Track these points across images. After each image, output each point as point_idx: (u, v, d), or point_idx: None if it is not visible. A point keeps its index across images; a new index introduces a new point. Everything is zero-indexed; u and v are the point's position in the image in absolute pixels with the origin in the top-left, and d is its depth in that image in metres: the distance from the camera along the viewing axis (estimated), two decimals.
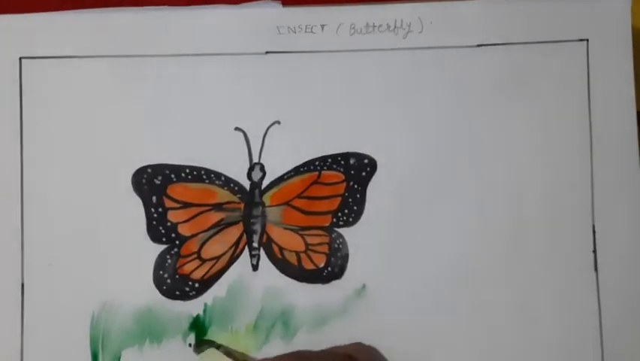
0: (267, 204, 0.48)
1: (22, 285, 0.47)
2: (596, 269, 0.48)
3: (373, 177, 0.49)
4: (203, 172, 0.48)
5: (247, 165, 0.48)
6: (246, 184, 0.48)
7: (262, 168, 0.48)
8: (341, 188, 0.48)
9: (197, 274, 0.48)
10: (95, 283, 0.48)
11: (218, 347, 0.47)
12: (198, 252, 0.48)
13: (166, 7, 0.50)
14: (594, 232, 0.48)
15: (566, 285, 0.48)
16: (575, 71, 0.49)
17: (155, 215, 0.47)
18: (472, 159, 0.49)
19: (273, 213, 0.48)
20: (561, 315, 0.48)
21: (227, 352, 0.47)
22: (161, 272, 0.47)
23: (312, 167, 0.48)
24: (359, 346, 0.46)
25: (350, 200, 0.48)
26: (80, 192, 0.48)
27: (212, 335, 0.47)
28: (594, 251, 0.48)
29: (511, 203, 0.49)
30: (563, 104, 0.49)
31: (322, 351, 0.46)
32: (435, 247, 0.48)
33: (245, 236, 0.48)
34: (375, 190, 0.49)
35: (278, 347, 0.47)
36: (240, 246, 0.48)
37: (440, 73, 0.49)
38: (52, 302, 0.47)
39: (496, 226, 0.48)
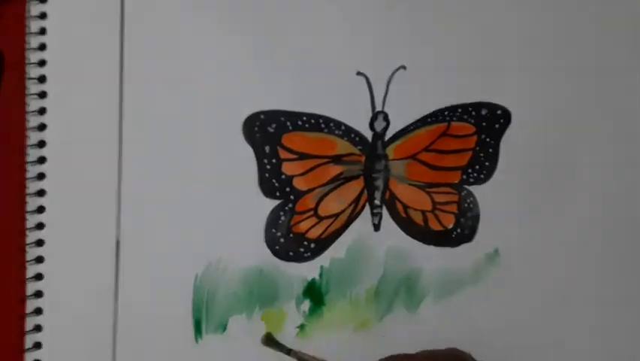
0: (391, 157, 0.44)
1: (118, 242, 0.42)
2: None
3: (507, 130, 0.45)
4: (321, 120, 0.43)
5: (369, 114, 0.44)
6: (368, 135, 0.44)
7: (386, 118, 0.43)
8: (472, 141, 0.44)
9: (314, 233, 0.43)
10: (200, 241, 0.43)
11: (288, 352, 0.41)
12: (315, 208, 0.43)
13: None
14: None
15: None
16: None
17: (269, 167, 0.42)
18: (617, 118, 0.44)
19: (397, 167, 0.44)
20: None
21: (300, 358, 0.42)
22: (273, 230, 0.42)
23: (440, 117, 0.44)
24: (456, 351, 0.42)
25: (481, 155, 0.45)
26: (184, 142, 0.43)
27: (329, 301, 0.42)
28: None
29: None
30: None
31: (417, 354, 0.42)
32: (575, 209, 0.44)
33: (366, 192, 0.44)
34: (509, 145, 0.45)
35: (401, 319, 0.44)
36: (361, 203, 0.44)
37: (587, 22, 0.44)
38: (150, 262, 0.42)
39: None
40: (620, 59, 0.46)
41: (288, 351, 0.42)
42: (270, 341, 0.42)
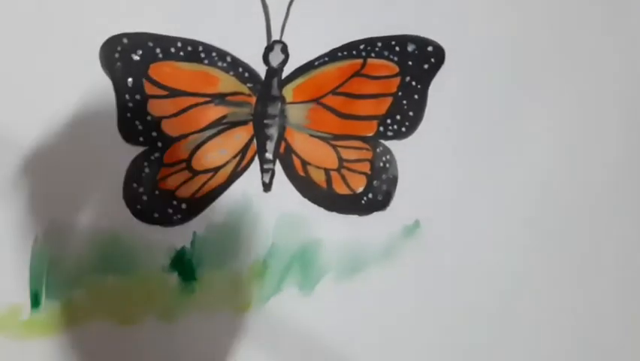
0: (289, 99, 0.37)
1: None
2: None
3: (438, 73, 0.37)
4: (201, 49, 0.36)
5: (264, 44, 0.36)
6: (262, 70, 0.36)
7: (284, 49, 0.36)
8: (393, 84, 0.37)
9: (186, 191, 0.36)
10: (41, 196, 0.35)
11: None
12: (188, 160, 0.36)
13: None
14: None
15: None
16: None
17: (131, 104, 0.35)
18: (576, 62, 0.36)
19: (296, 112, 0.37)
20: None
21: None
22: (134, 185, 0.36)
23: (354, 52, 0.37)
24: None
25: (404, 102, 0.37)
26: (22, 66, 0.34)
27: (203, 277, 0.35)
28: None
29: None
30: None
31: None
32: (513, 175, 0.36)
33: (255, 142, 0.36)
34: (440, 91, 0.37)
35: (293, 300, 0.36)
36: (248, 155, 0.37)
37: None
38: None
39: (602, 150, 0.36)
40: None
41: None
42: None
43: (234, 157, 0.36)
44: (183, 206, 0.36)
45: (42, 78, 0.35)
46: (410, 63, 0.37)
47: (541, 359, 0.39)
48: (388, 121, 0.37)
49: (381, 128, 0.37)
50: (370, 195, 0.37)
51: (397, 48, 0.37)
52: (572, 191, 0.38)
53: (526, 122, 0.38)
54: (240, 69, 0.36)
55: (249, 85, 0.36)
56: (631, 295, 0.39)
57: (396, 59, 0.37)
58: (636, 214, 0.38)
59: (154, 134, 0.36)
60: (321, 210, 0.37)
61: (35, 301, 0.35)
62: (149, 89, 0.35)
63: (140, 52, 0.35)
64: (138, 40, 0.35)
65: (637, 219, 0.39)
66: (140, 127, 0.35)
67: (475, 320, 0.38)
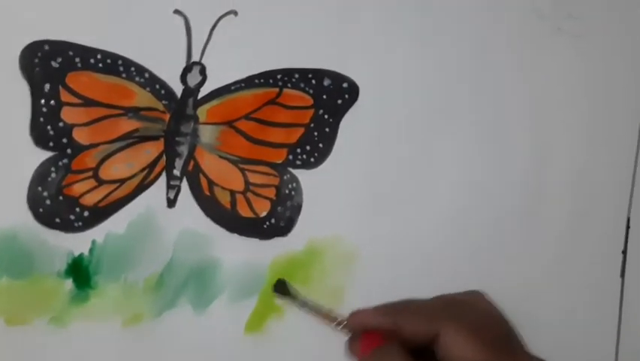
0: (202, 120, 0.36)
1: None
2: (622, 275, 0.36)
3: (351, 109, 0.38)
4: (120, 62, 0.36)
5: (183, 64, 0.37)
6: (178, 89, 0.37)
7: (202, 71, 0.36)
8: (306, 115, 0.38)
9: (90, 199, 0.37)
10: None
11: (303, 305, 0.35)
12: (96, 169, 0.37)
13: None
14: (628, 227, 0.37)
15: (588, 287, 0.37)
16: None
17: (45, 109, 0.35)
18: (483, 102, 0.37)
19: (208, 132, 0.37)
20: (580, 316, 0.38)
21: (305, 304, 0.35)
22: (39, 188, 0.36)
23: (271, 80, 0.38)
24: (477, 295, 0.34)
25: (316, 133, 0.38)
26: None
27: (98, 285, 0.35)
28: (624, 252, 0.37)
29: (532, 170, 0.38)
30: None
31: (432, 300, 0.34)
32: (422, 213, 0.36)
33: (164, 158, 0.37)
34: (351, 125, 0.38)
35: (184, 317, 0.36)
36: (156, 170, 0.37)
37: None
38: None
39: (511, 197, 0.37)
40: (484, 42, 0.38)
41: (303, 304, 0.35)
42: (281, 288, 0.36)
43: (142, 171, 0.36)
44: (86, 214, 0.36)
45: None
46: (325, 97, 0.38)
47: None
48: (298, 150, 0.37)
49: (291, 157, 0.37)
50: (273, 220, 0.37)
51: (314, 81, 0.38)
52: (475, 224, 0.38)
53: (433, 159, 0.38)
54: (157, 86, 0.37)
55: (164, 102, 0.37)
56: None
57: (311, 91, 0.38)
58: (536, 245, 0.38)
59: (64, 140, 0.36)
60: (223, 230, 0.37)
61: None
62: (65, 96, 0.36)
63: (60, 59, 0.36)
64: (59, 47, 0.36)
65: (536, 252, 0.39)
66: (51, 132, 0.36)
67: None
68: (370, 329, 0.32)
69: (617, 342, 0.38)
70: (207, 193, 0.37)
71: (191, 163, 0.37)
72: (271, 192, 0.37)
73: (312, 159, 0.38)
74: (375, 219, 0.37)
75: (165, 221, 0.36)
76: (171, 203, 0.37)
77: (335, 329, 0.33)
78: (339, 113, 0.38)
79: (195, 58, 0.37)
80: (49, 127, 0.36)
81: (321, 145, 0.38)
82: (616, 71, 0.39)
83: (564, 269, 0.38)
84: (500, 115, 0.38)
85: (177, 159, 0.37)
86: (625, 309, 0.38)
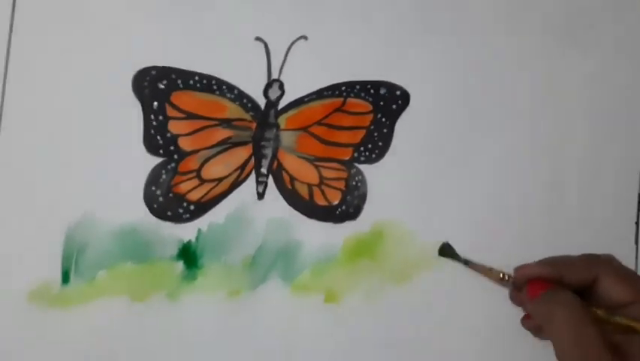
0: (282, 127, 0.43)
1: None
2: (636, 242, 0.43)
3: (404, 112, 0.45)
4: (214, 82, 0.43)
5: (265, 81, 0.44)
6: (262, 102, 0.44)
7: (281, 86, 0.43)
8: (367, 119, 0.44)
9: (194, 196, 0.43)
10: (76, 192, 0.43)
11: (466, 263, 0.40)
12: (198, 170, 0.43)
13: None
14: (639, 201, 0.44)
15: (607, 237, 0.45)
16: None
17: (155, 123, 0.42)
18: (516, 104, 0.44)
19: (287, 137, 0.43)
20: None
21: (477, 269, 0.39)
22: (153, 188, 0.42)
23: (337, 92, 0.44)
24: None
25: (375, 134, 0.44)
26: (71, 89, 0.44)
27: (203, 265, 0.42)
28: (637, 223, 0.44)
29: (551, 155, 0.45)
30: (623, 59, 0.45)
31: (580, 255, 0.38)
32: (465, 198, 0.43)
33: (253, 160, 0.44)
34: (405, 127, 0.46)
35: (276, 289, 0.43)
36: (246, 170, 0.43)
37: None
38: (25, 209, 0.42)
39: (535, 181, 0.45)
40: (524, 47, 0.45)
41: (466, 262, 0.40)
42: (446, 250, 0.41)
43: (235, 170, 0.44)
44: (191, 208, 0.43)
45: (85, 99, 0.43)
46: (382, 103, 0.45)
47: None
48: (362, 149, 0.45)
49: (356, 154, 0.45)
50: (343, 207, 0.44)
51: (372, 91, 0.45)
52: (511, 204, 0.45)
53: (474, 153, 0.45)
54: (245, 100, 0.44)
55: (251, 113, 0.44)
56: None
57: (370, 99, 0.45)
58: (560, 241, 0.46)
59: (171, 148, 0.44)
60: (303, 217, 0.44)
61: (65, 278, 0.42)
62: (170, 111, 0.44)
63: (165, 82, 0.44)
64: (164, 72, 0.44)
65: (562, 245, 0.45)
66: (160, 142, 0.44)
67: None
68: (535, 278, 0.35)
69: None
70: (289, 187, 0.44)
71: (275, 163, 0.44)
72: (341, 184, 0.45)
73: (373, 156, 0.45)
74: (426, 205, 0.45)
75: (256, 211, 0.44)
76: (260, 196, 0.44)
77: (500, 284, 0.37)
78: (394, 116, 0.45)
79: (274, 76, 0.44)
80: (158, 137, 0.43)
81: (380, 144, 0.45)
82: (619, 73, 0.46)
83: (584, 240, 0.45)
84: (529, 114, 0.46)
85: (264, 160, 0.44)
86: None
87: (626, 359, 0.33)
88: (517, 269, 0.37)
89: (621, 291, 0.34)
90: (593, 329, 0.32)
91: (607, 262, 0.36)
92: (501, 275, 0.37)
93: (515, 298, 0.37)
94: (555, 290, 0.34)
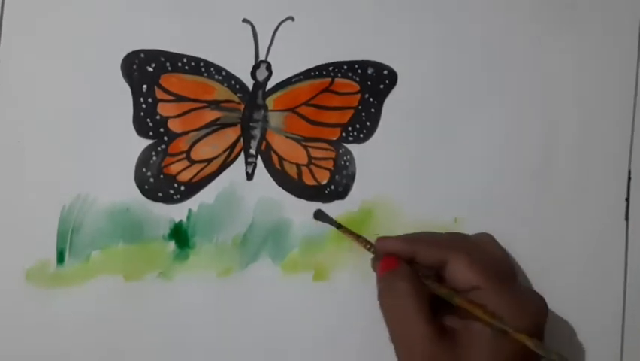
0: (270, 107, 0.44)
1: None
2: (627, 218, 0.44)
3: (391, 92, 0.45)
4: (202, 64, 0.44)
5: (252, 63, 0.45)
6: (249, 83, 0.45)
7: (268, 67, 0.43)
8: (355, 99, 0.44)
9: (184, 176, 0.44)
10: (70, 174, 0.44)
11: (338, 226, 0.43)
12: (188, 152, 0.44)
13: None
14: (629, 178, 0.44)
15: (594, 231, 0.44)
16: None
17: (144, 106, 0.43)
18: (504, 83, 0.45)
19: (275, 118, 0.44)
20: (587, 259, 0.45)
21: (348, 233, 0.43)
22: (144, 169, 0.43)
23: (324, 72, 0.45)
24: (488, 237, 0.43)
25: (363, 114, 0.45)
26: (61, 73, 0.45)
27: (195, 245, 0.43)
28: (627, 199, 0.44)
29: (543, 135, 0.45)
30: (612, 41, 0.45)
31: (447, 234, 0.43)
32: (453, 176, 0.44)
33: (242, 140, 0.44)
34: (392, 106, 0.46)
35: (266, 267, 0.44)
36: (235, 151, 0.44)
37: None
38: (19, 188, 0.43)
39: (525, 158, 0.45)
40: (511, 23, 0.46)
41: (338, 226, 0.43)
42: (320, 215, 0.44)
43: (224, 151, 0.45)
44: (182, 188, 0.44)
45: (75, 83, 0.44)
46: (369, 83, 0.45)
47: None
48: (349, 128, 0.45)
49: (344, 134, 0.45)
50: (332, 187, 0.45)
51: (359, 71, 0.45)
52: (500, 181, 0.45)
53: (462, 131, 0.45)
54: (232, 82, 0.45)
55: (239, 95, 0.45)
56: None
57: (357, 79, 0.45)
58: (550, 217, 0.46)
59: (161, 130, 0.44)
60: (292, 196, 0.44)
61: (60, 258, 0.43)
62: (160, 94, 0.44)
63: (154, 64, 0.45)
64: (152, 55, 0.45)
65: (553, 221, 0.46)
66: (150, 124, 0.44)
67: None
68: (392, 253, 0.40)
69: (624, 282, 0.45)
70: (278, 167, 0.45)
71: (264, 144, 0.45)
72: (329, 164, 0.45)
73: (361, 135, 0.45)
74: (415, 182, 0.45)
75: (245, 191, 0.44)
76: (249, 177, 0.45)
77: (365, 251, 0.41)
78: (381, 96, 0.45)
79: (262, 57, 0.45)
80: (148, 120, 0.44)
81: (368, 123, 0.45)
82: (610, 55, 0.46)
83: (574, 216, 0.45)
84: (517, 92, 0.46)
85: (252, 141, 0.45)
86: (630, 249, 0.45)
87: (458, 343, 0.36)
88: (378, 240, 0.41)
89: (467, 275, 0.38)
90: (415, 306, 0.37)
91: (464, 246, 0.39)
92: (367, 245, 0.41)
93: (374, 267, 0.41)
94: (397, 270, 0.39)
